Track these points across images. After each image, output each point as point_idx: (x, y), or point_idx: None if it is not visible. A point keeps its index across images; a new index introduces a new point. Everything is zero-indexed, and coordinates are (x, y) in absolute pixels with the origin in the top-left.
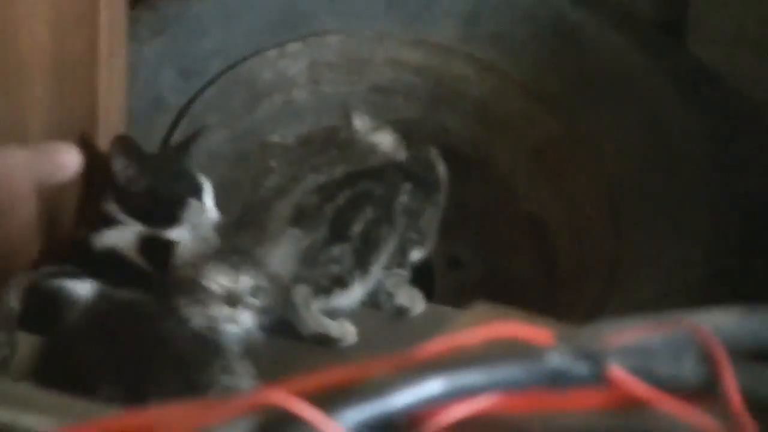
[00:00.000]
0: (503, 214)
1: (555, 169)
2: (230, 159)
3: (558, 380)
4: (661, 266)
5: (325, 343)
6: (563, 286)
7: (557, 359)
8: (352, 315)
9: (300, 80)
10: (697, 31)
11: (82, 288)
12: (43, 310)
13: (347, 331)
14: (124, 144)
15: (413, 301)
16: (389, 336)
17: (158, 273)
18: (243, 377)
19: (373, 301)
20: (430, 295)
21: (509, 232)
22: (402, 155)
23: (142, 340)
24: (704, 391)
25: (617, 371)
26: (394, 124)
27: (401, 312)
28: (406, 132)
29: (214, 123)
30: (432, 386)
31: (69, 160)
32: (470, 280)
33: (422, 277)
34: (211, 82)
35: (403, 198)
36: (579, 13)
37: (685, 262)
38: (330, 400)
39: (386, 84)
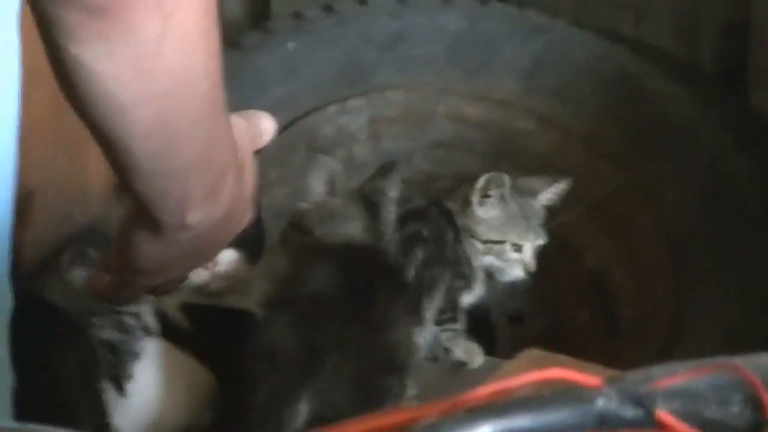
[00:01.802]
0: (564, 269)
1: (616, 222)
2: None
3: (606, 423)
4: (724, 316)
5: None
6: (625, 340)
7: (605, 402)
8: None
9: (361, 135)
10: (758, 84)
11: None
12: None
13: None
14: None
15: (471, 354)
16: (446, 387)
17: None
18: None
19: (431, 356)
20: (491, 350)
21: (570, 287)
22: None
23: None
24: None
25: (665, 414)
26: (455, 178)
27: (459, 366)
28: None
29: (275, 178)
30: (480, 430)
31: (268, 127)
32: (531, 334)
33: (483, 333)
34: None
35: (450, 240)
36: (640, 66)
37: (747, 312)
38: None
39: (448, 139)
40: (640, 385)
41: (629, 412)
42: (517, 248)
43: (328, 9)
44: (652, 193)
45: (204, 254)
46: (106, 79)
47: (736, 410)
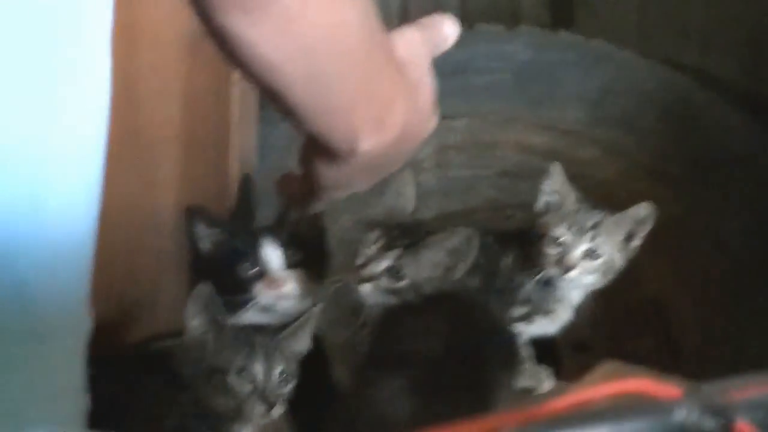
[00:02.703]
0: (627, 297)
1: (677, 249)
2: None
3: None
4: None
5: None
6: (688, 367)
7: (684, 414)
8: None
9: (427, 164)
10: None
11: None
12: None
13: None
14: (201, 213)
15: (538, 379)
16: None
17: None
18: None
19: None
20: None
21: (633, 315)
22: None
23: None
24: None
25: (745, 425)
26: (521, 207)
27: (528, 391)
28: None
29: (341, 206)
30: None
31: (450, 31)
32: (596, 362)
33: (548, 361)
34: None
35: (505, 268)
36: (704, 96)
37: None
38: None
39: (513, 168)
40: (720, 396)
41: (709, 423)
42: (557, 243)
43: None
44: (714, 221)
45: (386, 168)
46: (251, 43)
47: None
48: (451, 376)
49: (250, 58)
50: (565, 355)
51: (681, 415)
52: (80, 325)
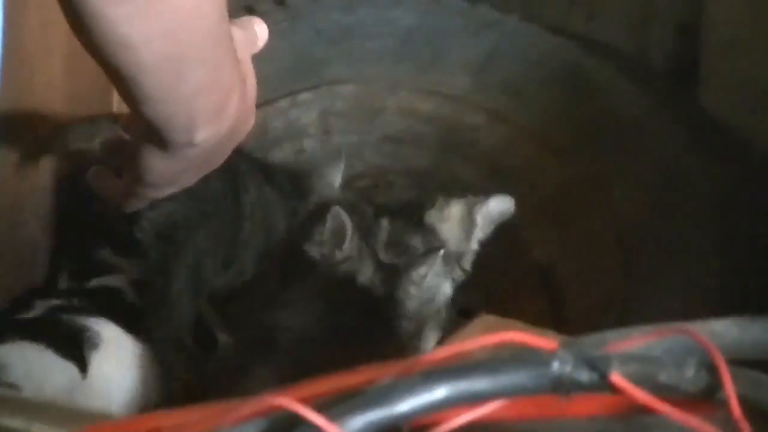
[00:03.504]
0: (513, 263)
1: (565, 217)
2: None
3: (561, 386)
4: (672, 310)
5: None
6: (573, 335)
7: (560, 366)
8: None
9: (311, 129)
10: (708, 83)
11: None
12: None
13: None
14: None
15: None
16: None
17: None
18: None
19: None
20: (439, 343)
21: (518, 281)
22: None
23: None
24: (705, 399)
25: (619, 378)
26: (406, 173)
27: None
28: (418, 181)
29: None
30: (436, 392)
31: (262, 32)
32: None
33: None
34: None
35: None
36: (591, 62)
37: (696, 308)
38: (335, 405)
39: (397, 133)
40: (595, 349)
41: (584, 375)
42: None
43: (279, 2)
44: (602, 188)
45: (210, 164)
46: (114, 21)
47: (690, 374)
48: (328, 360)
49: (107, 38)
50: (451, 321)
51: (557, 366)
52: None
